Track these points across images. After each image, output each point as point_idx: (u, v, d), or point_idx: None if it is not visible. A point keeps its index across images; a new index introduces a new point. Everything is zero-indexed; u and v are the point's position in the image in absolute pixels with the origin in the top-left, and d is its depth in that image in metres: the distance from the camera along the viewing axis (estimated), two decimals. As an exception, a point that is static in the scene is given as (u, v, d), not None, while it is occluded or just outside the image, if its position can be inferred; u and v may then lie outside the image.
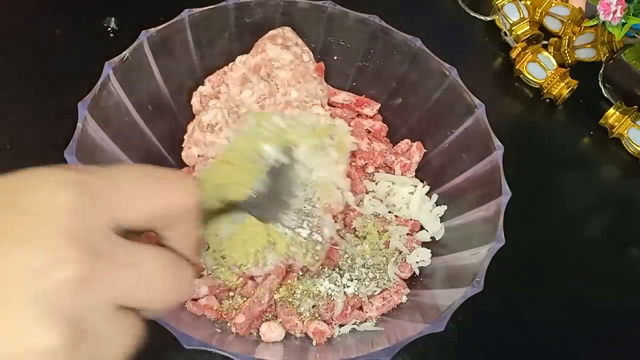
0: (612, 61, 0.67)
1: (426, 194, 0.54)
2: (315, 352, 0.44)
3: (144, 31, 0.49)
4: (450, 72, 0.52)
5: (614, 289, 0.56)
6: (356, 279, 0.48)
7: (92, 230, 0.23)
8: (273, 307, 0.47)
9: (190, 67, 0.55)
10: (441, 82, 0.53)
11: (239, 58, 0.55)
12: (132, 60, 0.48)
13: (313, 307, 0.47)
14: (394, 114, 0.58)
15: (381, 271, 0.49)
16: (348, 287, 0.48)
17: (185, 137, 0.53)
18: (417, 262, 0.50)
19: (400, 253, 0.51)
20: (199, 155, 0.52)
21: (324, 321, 0.46)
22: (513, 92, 0.68)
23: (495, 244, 0.43)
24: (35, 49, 0.62)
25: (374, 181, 0.54)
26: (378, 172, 0.55)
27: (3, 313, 0.22)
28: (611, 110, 0.64)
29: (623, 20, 0.62)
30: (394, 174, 0.55)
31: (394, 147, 0.57)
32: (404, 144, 0.56)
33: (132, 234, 0.26)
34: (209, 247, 0.47)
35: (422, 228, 0.53)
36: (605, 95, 0.67)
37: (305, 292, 0.47)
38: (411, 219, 0.53)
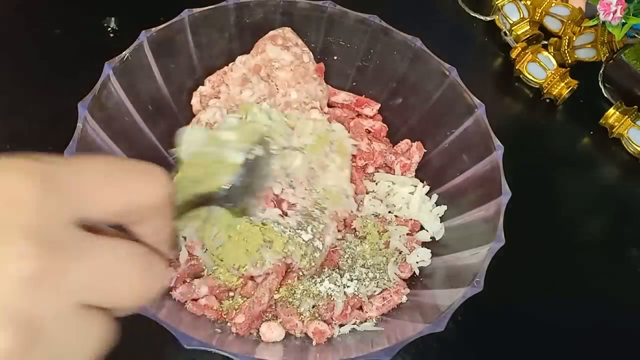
0: (612, 61, 0.67)
1: (426, 194, 0.54)
2: (315, 352, 0.44)
3: (144, 31, 0.49)
4: (450, 72, 0.52)
5: (614, 289, 0.56)
6: (356, 279, 0.48)
7: (53, 224, 0.21)
8: (273, 307, 0.47)
9: (190, 67, 0.55)
10: (441, 82, 0.53)
11: (239, 58, 0.55)
12: (132, 60, 0.48)
13: (313, 307, 0.47)
14: (394, 114, 0.58)
15: (381, 271, 0.49)
16: (348, 287, 0.48)
17: (185, 137, 0.53)
18: (417, 262, 0.50)
19: (400, 253, 0.51)
20: (198, 155, 0.52)
21: (324, 321, 0.46)
22: (513, 92, 0.68)
23: (495, 244, 0.43)
24: (35, 49, 0.62)
25: (374, 181, 0.54)
26: (378, 172, 0.55)
27: None
28: (611, 110, 0.64)
29: (623, 20, 0.62)
30: (394, 174, 0.55)
31: (394, 147, 0.57)
32: (404, 144, 0.56)
33: (102, 228, 0.24)
34: (206, 250, 0.47)
35: (422, 228, 0.53)
36: (605, 95, 0.67)
37: (305, 292, 0.47)
38: (411, 219, 0.53)
